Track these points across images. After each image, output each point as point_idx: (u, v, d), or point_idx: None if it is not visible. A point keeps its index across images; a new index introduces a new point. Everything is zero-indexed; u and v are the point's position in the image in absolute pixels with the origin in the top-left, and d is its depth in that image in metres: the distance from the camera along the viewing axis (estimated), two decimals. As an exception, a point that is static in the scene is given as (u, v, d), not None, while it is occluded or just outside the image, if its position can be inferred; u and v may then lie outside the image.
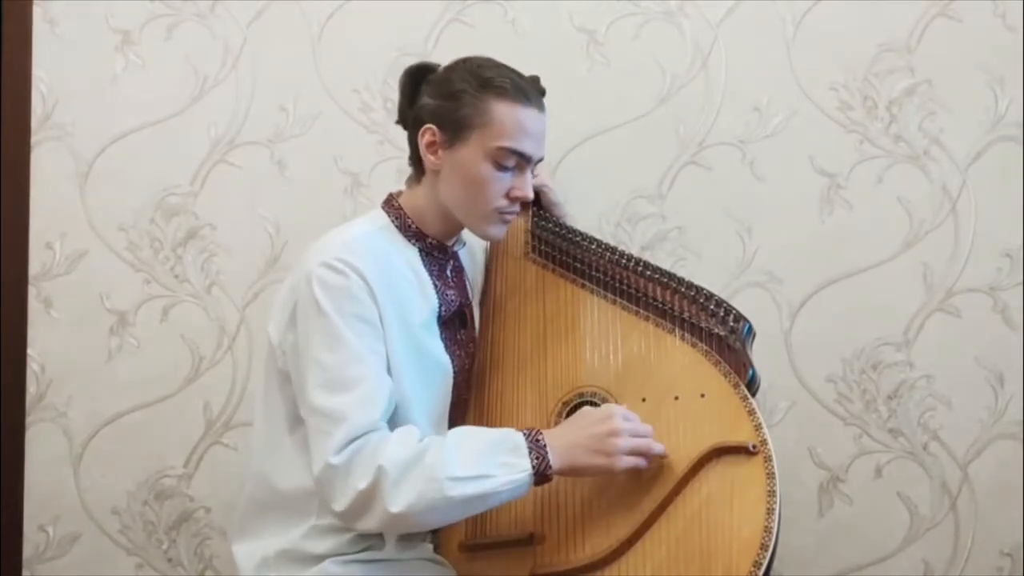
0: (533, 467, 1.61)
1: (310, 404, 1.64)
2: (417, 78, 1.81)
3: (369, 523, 1.60)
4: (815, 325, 2.27)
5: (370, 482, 1.57)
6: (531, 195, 1.78)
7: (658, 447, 1.67)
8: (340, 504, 1.60)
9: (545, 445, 1.63)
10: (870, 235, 2.28)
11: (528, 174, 1.78)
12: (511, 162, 1.74)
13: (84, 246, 2.31)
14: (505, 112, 1.72)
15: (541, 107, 1.78)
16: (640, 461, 1.65)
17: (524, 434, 1.64)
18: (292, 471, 1.72)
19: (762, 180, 2.29)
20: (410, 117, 1.80)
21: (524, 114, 1.73)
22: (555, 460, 1.62)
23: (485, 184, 1.74)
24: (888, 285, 2.27)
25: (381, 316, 1.68)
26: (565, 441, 1.64)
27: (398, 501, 1.57)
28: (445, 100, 1.74)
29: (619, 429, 1.64)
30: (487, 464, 1.60)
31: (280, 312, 1.74)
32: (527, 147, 1.74)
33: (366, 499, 1.58)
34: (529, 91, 1.76)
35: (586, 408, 1.70)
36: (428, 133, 1.76)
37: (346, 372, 1.63)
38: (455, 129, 1.73)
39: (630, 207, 2.30)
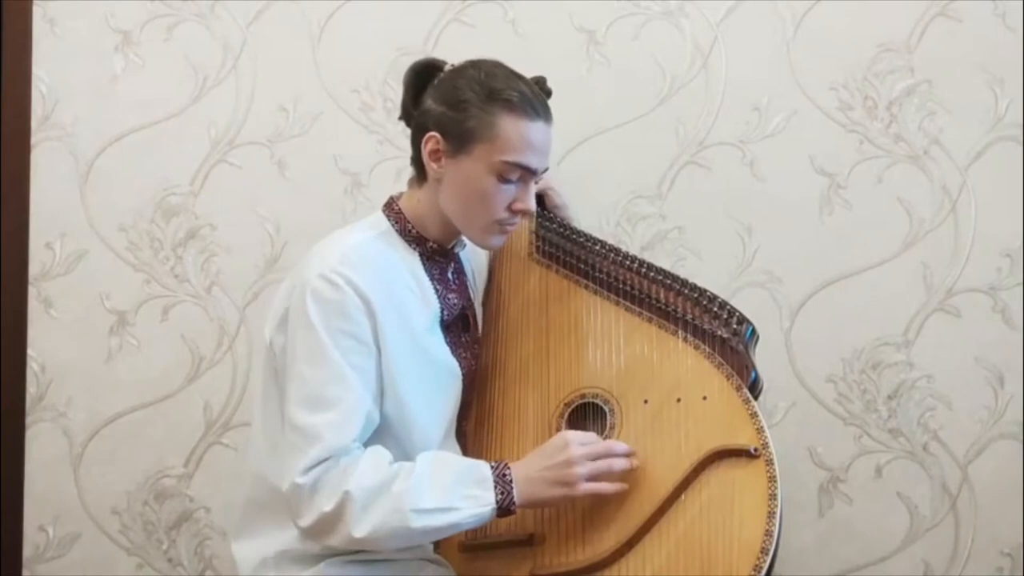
0: (497, 502, 1.63)
1: (288, 418, 1.66)
2: (423, 76, 1.78)
3: (332, 541, 1.63)
4: (815, 325, 2.27)
5: (335, 505, 1.59)
6: (533, 207, 1.77)
7: (619, 464, 1.66)
8: (304, 522, 1.63)
9: (511, 480, 1.64)
10: (870, 235, 2.27)
11: (531, 186, 1.75)
12: (515, 175, 1.72)
13: (84, 246, 2.31)
14: (511, 126, 1.69)
15: (548, 119, 1.75)
16: (602, 486, 1.65)
17: (492, 467, 1.66)
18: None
19: (762, 180, 2.28)
20: (414, 117, 1.78)
21: (530, 128, 1.70)
22: (518, 495, 1.64)
23: (487, 197, 1.72)
24: (888, 285, 2.27)
25: (377, 333, 1.68)
26: (527, 474, 1.65)
27: (362, 527, 1.59)
28: (450, 109, 1.71)
29: (574, 457, 1.64)
30: (453, 496, 1.62)
31: (273, 314, 1.74)
32: (532, 161, 1.72)
33: (331, 521, 1.60)
34: (536, 103, 1.72)
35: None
36: (432, 141, 1.73)
37: (326, 390, 1.64)
38: (459, 140, 1.71)
39: (630, 207, 2.30)
